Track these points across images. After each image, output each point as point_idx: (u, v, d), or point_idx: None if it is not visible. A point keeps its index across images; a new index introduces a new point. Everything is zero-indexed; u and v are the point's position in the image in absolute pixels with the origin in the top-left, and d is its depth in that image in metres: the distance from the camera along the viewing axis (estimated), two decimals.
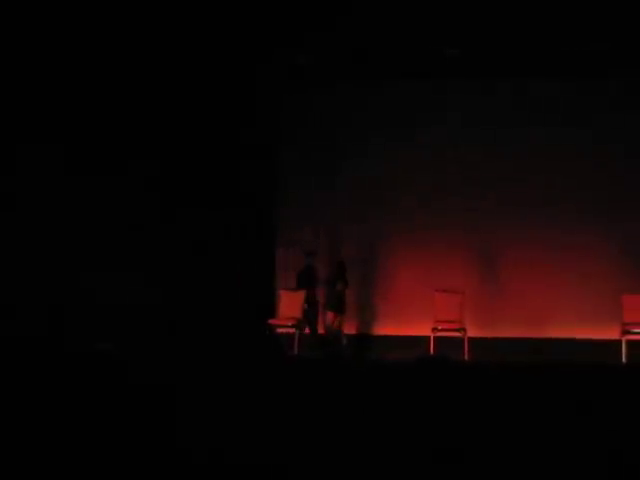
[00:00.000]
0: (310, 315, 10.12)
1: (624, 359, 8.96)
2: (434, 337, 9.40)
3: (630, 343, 9.06)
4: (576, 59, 9.51)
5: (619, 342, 9.09)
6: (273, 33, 9.27)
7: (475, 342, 9.45)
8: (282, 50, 9.69)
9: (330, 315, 10.07)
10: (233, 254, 10.23)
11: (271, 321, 9.88)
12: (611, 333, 9.24)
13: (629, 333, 9.14)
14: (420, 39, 9.23)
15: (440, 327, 9.47)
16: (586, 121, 10.17)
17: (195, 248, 10.23)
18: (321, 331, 10.25)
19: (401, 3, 8.58)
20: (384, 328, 10.36)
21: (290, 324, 9.80)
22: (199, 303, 9.90)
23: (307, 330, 10.07)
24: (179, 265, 10.14)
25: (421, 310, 10.01)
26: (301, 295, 10.01)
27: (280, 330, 9.88)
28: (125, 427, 5.17)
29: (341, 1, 8.61)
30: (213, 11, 8.88)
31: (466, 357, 9.24)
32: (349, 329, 10.31)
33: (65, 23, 8.85)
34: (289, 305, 10.01)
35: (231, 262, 10.22)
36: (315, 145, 10.72)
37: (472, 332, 9.57)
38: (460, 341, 9.39)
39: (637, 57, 9.42)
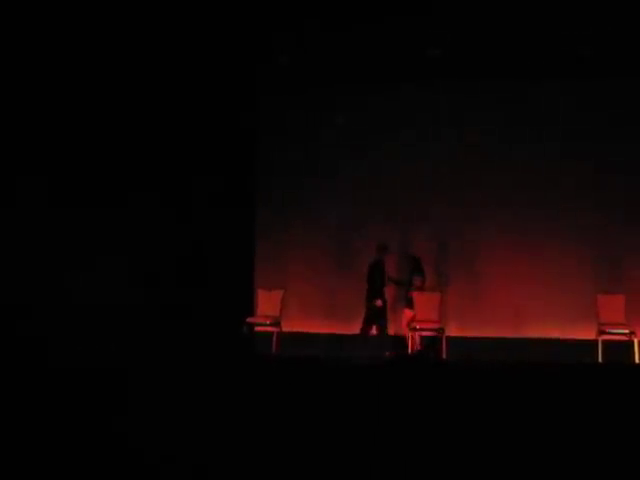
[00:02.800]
0: (380, 313, 9.69)
1: (600, 359, 9.03)
2: (412, 336, 9.41)
3: (606, 343, 9.13)
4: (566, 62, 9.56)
5: (595, 342, 9.16)
6: (261, 34, 9.26)
7: (453, 342, 9.48)
8: (270, 51, 9.68)
9: (408, 313, 9.73)
10: (212, 250, 10.18)
11: (249, 319, 9.84)
12: (588, 333, 9.31)
13: (605, 333, 9.21)
14: (407, 41, 9.24)
15: (419, 326, 9.48)
16: (568, 123, 10.24)
17: (175, 245, 10.16)
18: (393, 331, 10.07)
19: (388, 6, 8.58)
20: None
21: (268, 322, 9.77)
22: (178, 303, 9.83)
23: (374, 330, 9.67)
24: (159, 264, 10.06)
25: (401, 310, 10.05)
26: (279, 294, 9.97)
27: (258, 328, 9.85)
28: (97, 426, 5.11)
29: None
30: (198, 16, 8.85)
31: (444, 356, 9.26)
32: (333, 329, 10.30)
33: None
34: (267, 303, 9.98)
35: (210, 259, 10.17)
36: (300, 144, 10.73)
37: (450, 332, 9.61)
38: (439, 340, 9.41)
39: (617, 62, 9.50)
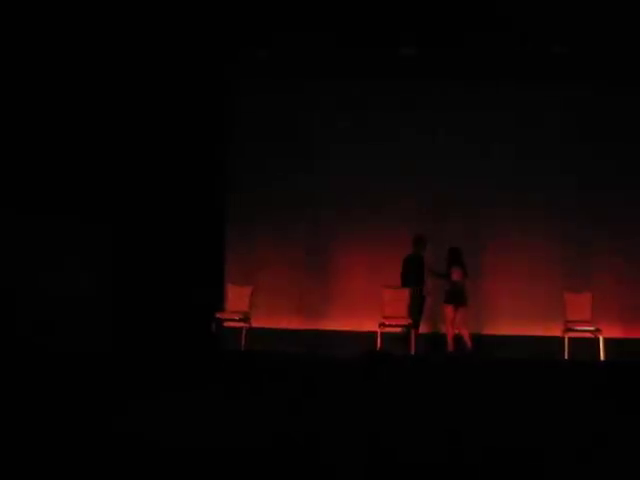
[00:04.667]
0: (417, 312, 9.50)
1: (566, 355, 9.15)
2: (381, 333, 9.41)
3: (572, 340, 9.24)
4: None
5: (562, 339, 9.27)
6: (236, 30, 9.18)
7: (422, 338, 9.52)
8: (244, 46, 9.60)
9: (449, 310, 9.41)
10: (182, 246, 10.11)
11: (218, 315, 9.79)
12: (554, 330, 9.42)
13: (571, 330, 9.32)
14: (383, 38, 9.22)
15: (387, 323, 9.49)
16: (539, 123, 10.32)
17: (144, 241, 10.07)
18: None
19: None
20: (334, 324, 10.33)
21: (237, 318, 9.74)
22: (147, 297, 9.76)
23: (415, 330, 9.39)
24: (129, 259, 9.96)
25: (371, 307, 10.02)
26: (248, 290, 9.93)
27: (228, 324, 9.81)
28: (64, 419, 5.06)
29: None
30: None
31: (413, 353, 9.29)
32: (300, 325, 10.28)
33: None
34: (237, 299, 9.94)
35: (180, 255, 10.10)
36: (272, 142, 10.69)
37: (422, 328, 9.68)
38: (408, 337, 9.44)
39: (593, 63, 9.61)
